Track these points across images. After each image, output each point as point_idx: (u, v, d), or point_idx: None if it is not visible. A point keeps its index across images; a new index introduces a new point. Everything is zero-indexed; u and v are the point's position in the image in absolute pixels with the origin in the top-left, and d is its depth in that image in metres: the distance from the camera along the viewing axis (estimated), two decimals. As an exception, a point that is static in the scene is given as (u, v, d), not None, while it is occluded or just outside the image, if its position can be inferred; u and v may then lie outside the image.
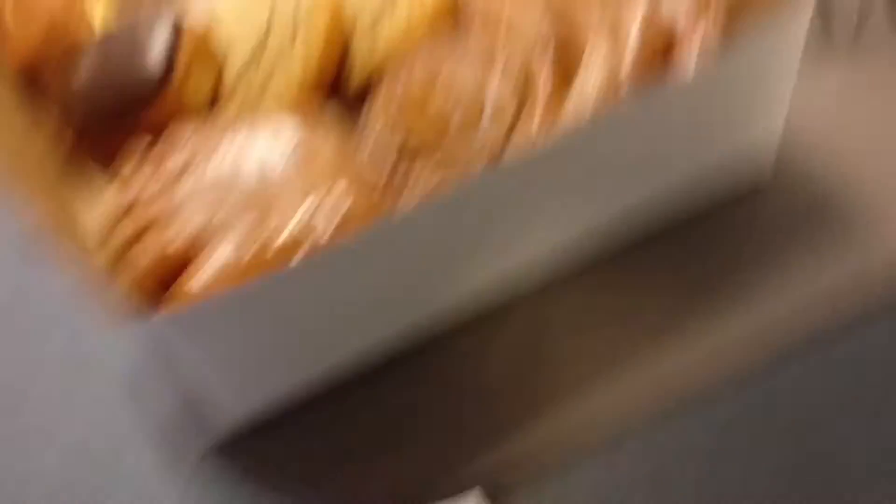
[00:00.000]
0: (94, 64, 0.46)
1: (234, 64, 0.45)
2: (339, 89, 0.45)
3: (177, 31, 0.46)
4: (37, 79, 0.48)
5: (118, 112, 0.44)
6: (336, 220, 0.34)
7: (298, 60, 0.43)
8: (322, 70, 0.44)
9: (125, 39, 0.46)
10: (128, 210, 0.37)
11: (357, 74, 0.45)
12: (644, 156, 0.38)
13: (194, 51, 0.45)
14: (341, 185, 0.35)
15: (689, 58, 0.36)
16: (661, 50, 0.38)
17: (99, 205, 0.42)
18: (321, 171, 0.36)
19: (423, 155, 0.39)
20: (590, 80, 0.36)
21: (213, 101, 0.45)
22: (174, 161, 0.38)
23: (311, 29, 0.44)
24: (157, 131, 0.41)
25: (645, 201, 0.40)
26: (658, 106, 0.35)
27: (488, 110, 0.38)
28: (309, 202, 0.35)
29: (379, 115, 0.41)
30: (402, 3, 0.44)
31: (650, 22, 0.38)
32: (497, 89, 0.38)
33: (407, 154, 0.39)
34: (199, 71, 0.45)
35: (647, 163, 0.38)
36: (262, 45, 0.44)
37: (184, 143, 0.39)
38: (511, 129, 0.37)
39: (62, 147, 0.46)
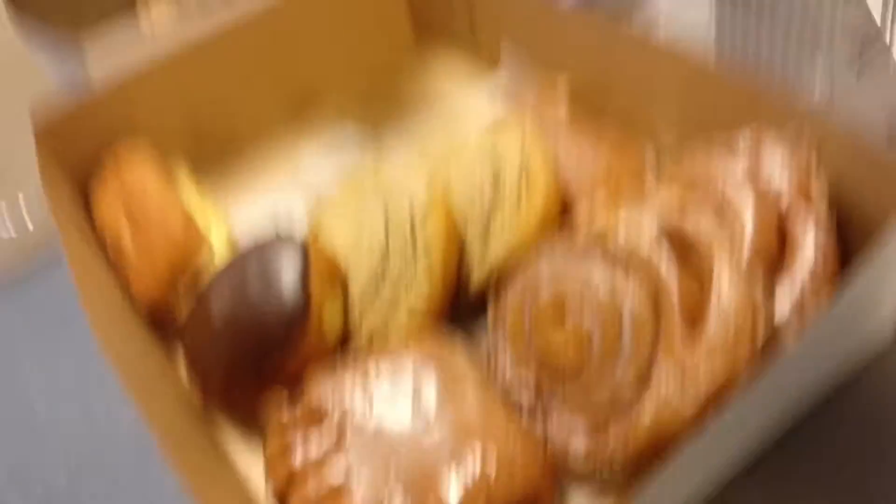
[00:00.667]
0: (226, 302, 0.43)
1: (355, 291, 0.44)
2: (458, 297, 0.45)
3: (304, 254, 0.43)
4: (167, 318, 0.48)
5: (256, 358, 0.42)
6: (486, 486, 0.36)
7: (423, 277, 0.43)
8: (446, 284, 0.43)
9: (255, 268, 0.43)
10: (289, 480, 0.38)
11: (475, 281, 0.45)
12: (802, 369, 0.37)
13: (326, 276, 0.43)
14: (491, 451, 0.37)
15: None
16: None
17: (248, 460, 0.43)
18: (467, 432, 0.37)
19: (560, 388, 0.38)
20: (724, 291, 0.36)
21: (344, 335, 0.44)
22: (325, 427, 0.39)
23: (431, 243, 0.43)
24: (296, 377, 0.41)
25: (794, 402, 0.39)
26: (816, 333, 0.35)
27: (627, 325, 0.37)
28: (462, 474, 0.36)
29: (508, 339, 0.41)
30: (510, 201, 0.44)
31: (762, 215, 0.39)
32: (633, 297, 0.37)
33: (544, 389, 0.39)
34: (331, 301, 0.43)
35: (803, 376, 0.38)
36: (382, 267, 0.43)
37: (328, 397, 0.40)
38: (654, 346, 0.36)
39: (197, 394, 0.45)
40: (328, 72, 0.64)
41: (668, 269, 0.37)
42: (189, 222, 0.50)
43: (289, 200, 0.55)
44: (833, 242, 0.38)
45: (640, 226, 0.39)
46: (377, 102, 0.63)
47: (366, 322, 0.44)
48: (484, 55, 0.62)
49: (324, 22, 0.62)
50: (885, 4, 0.45)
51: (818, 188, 0.39)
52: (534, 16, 0.55)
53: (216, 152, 0.62)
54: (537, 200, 0.44)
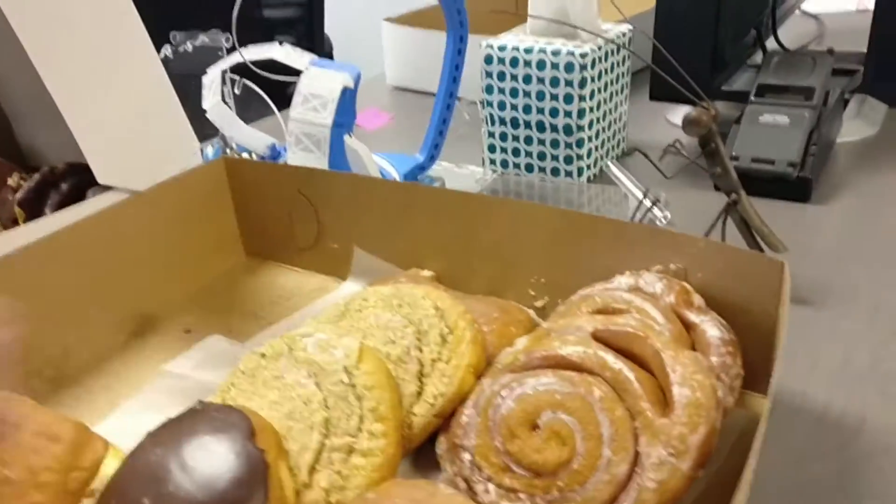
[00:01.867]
0: (156, 487, 0.39)
1: (295, 450, 0.42)
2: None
3: (245, 417, 0.41)
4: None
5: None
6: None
7: (371, 416, 0.42)
8: (396, 417, 0.43)
9: (188, 436, 0.40)
10: None
11: (418, 416, 0.45)
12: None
13: (272, 437, 0.42)
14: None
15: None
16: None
17: None
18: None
19: (553, 484, 0.39)
20: (681, 370, 0.40)
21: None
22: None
23: (371, 380, 0.43)
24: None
25: None
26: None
27: (602, 416, 0.39)
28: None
29: (478, 459, 0.42)
30: (439, 339, 0.46)
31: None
32: (597, 393, 0.40)
33: (537, 491, 0.40)
34: (283, 462, 0.41)
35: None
36: (324, 418, 0.42)
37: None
38: (633, 426, 0.39)
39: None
40: (163, 292, 0.62)
41: (618, 364, 0.42)
42: (75, 423, 0.43)
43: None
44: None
45: (569, 339, 0.44)
46: (221, 314, 0.62)
47: (318, 477, 0.41)
48: (323, 268, 0.66)
49: (156, 240, 0.62)
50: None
51: (697, 298, 0.48)
52: (382, 220, 0.61)
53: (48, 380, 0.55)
54: (467, 336, 0.47)
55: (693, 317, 0.46)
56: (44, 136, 0.77)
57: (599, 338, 0.43)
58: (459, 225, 0.58)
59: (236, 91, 0.90)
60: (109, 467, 0.43)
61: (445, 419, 0.45)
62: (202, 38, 0.93)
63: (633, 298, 0.47)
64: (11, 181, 0.71)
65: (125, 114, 0.61)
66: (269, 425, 0.42)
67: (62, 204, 0.65)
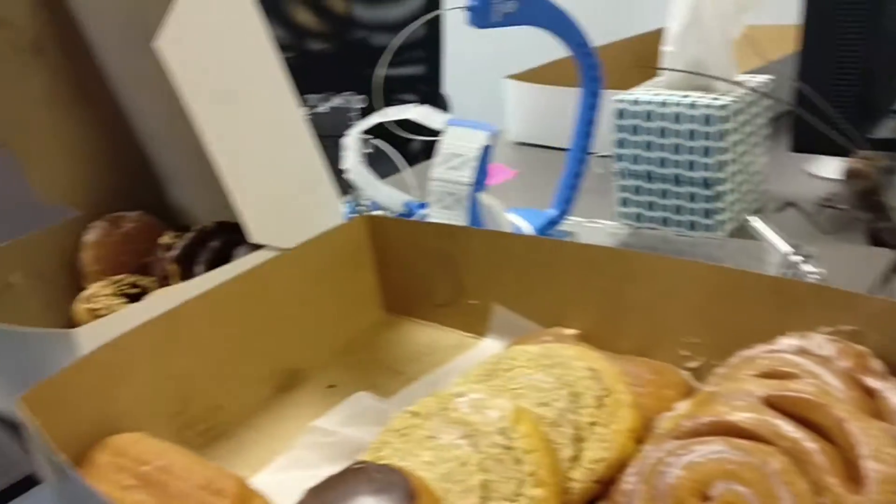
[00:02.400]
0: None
1: None
2: None
3: (407, 483, 0.41)
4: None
5: None
6: None
7: (530, 481, 0.41)
8: (555, 483, 0.42)
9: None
10: None
11: (577, 482, 0.43)
12: None
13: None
14: None
15: None
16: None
17: None
18: None
19: None
20: (873, 446, 0.37)
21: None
22: None
23: (528, 444, 0.42)
24: None
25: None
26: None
27: (783, 493, 0.37)
28: None
29: None
30: (595, 404, 0.45)
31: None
32: (775, 466, 0.37)
33: None
34: None
35: None
36: (483, 483, 0.41)
37: None
38: None
39: None
40: (307, 348, 0.64)
41: (797, 433, 0.39)
42: (237, 478, 0.44)
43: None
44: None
45: (737, 404, 0.41)
46: (364, 370, 0.63)
47: None
48: (462, 325, 0.65)
49: (302, 297, 0.63)
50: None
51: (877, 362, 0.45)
52: (522, 276, 0.61)
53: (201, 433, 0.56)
54: (626, 400, 0.45)
55: (873, 383, 0.43)
56: (193, 196, 0.81)
57: (772, 404, 0.41)
58: (604, 281, 0.57)
59: (369, 150, 0.93)
60: (269, 522, 0.44)
61: (605, 485, 0.43)
62: (335, 100, 0.97)
63: (803, 362, 0.44)
64: (164, 239, 0.75)
65: (277, 176, 0.64)
66: (428, 487, 0.41)
67: (212, 261, 0.68)
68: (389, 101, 0.74)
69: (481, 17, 0.61)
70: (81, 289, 0.76)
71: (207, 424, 0.57)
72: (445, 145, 0.63)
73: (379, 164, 0.99)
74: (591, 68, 0.73)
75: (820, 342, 0.46)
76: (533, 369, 0.48)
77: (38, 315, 0.74)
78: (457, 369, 0.60)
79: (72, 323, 0.73)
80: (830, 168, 0.85)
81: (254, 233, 0.61)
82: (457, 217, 0.63)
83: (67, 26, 0.77)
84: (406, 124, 0.74)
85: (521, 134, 1.19)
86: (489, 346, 0.62)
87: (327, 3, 1.67)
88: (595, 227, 0.83)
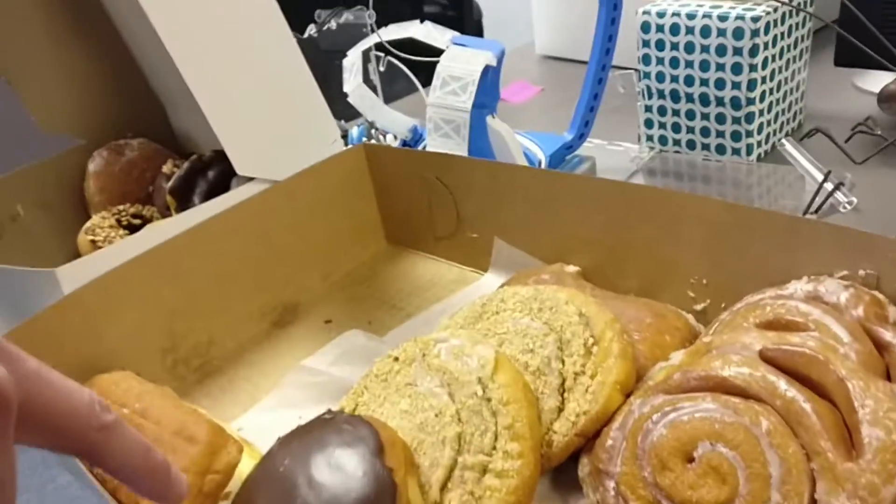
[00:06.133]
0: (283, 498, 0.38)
1: (426, 465, 0.40)
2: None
3: (374, 431, 0.39)
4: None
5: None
6: None
7: (507, 434, 0.39)
8: (534, 435, 0.40)
9: (316, 451, 0.39)
10: None
11: (559, 434, 0.41)
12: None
13: (402, 453, 0.40)
14: None
15: None
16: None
17: None
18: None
19: None
20: (873, 405, 0.34)
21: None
22: None
23: (507, 395, 0.40)
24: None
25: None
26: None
27: (770, 453, 0.34)
28: None
29: (623, 489, 0.38)
30: (584, 352, 0.42)
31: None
32: (767, 426, 0.35)
33: None
34: (411, 479, 0.39)
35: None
36: (457, 434, 0.40)
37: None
38: (809, 469, 0.34)
39: None
40: (305, 281, 0.62)
41: (791, 392, 0.36)
42: (210, 421, 0.43)
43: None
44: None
45: (732, 358, 0.38)
46: (361, 304, 0.61)
47: (449, 496, 0.38)
48: (463, 259, 0.63)
49: (297, 229, 0.61)
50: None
51: (894, 311, 0.41)
52: (524, 210, 0.57)
53: (195, 369, 0.56)
54: (615, 349, 0.42)
55: (888, 335, 0.39)
56: (195, 122, 0.79)
57: (769, 358, 0.38)
58: (610, 217, 0.53)
59: (381, 68, 0.88)
60: (245, 466, 0.43)
61: (588, 439, 0.41)
62: (346, 16, 0.92)
63: (811, 310, 0.41)
64: (166, 168, 0.73)
65: (263, 104, 0.61)
66: (399, 440, 0.40)
67: (209, 192, 0.66)
68: (414, 12, 0.70)
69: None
70: (89, 218, 0.75)
71: (201, 360, 0.57)
72: (443, 68, 0.59)
73: (400, 83, 0.94)
74: (610, -23, 0.67)
75: (833, 287, 0.42)
76: (520, 314, 0.46)
77: (47, 246, 0.74)
78: (455, 306, 0.57)
79: (79, 253, 0.72)
80: (879, 82, 0.78)
81: (241, 165, 0.59)
82: (456, 146, 0.59)
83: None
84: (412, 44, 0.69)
85: (547, 46, 1.12)
86: (490, 282, 0.60)
87: None
88: (616, 149, 0.79)
